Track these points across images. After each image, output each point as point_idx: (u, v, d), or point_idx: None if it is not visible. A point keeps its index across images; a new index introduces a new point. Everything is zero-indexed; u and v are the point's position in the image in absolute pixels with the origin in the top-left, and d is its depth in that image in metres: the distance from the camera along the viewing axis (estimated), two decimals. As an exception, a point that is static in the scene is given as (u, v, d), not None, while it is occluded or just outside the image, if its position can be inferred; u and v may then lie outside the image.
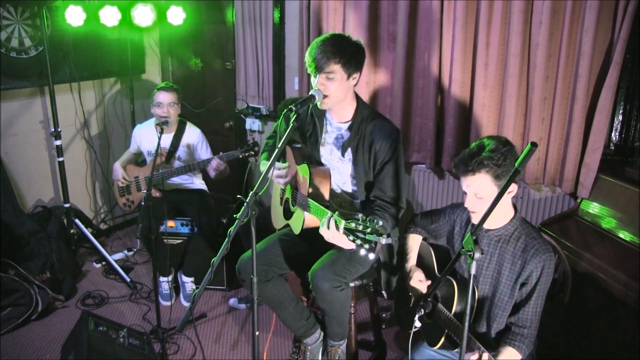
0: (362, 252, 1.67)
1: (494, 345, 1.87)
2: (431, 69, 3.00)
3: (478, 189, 1.76)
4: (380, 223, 1.66)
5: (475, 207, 1.81)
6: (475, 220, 1.86)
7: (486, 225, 1.85)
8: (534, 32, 2.66)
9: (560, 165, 2.78)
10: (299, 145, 2.37)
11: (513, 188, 1.75)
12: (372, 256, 1.67)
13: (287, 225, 2.36)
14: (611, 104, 2.52)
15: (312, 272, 2.13)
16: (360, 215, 1.71)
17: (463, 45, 2.87)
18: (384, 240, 1.65)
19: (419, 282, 2.03)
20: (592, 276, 2.24)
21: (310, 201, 2.07)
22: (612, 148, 2.76)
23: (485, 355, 1.68)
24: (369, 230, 1.66)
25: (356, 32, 3.12)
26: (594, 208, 2.56)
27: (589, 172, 2.59)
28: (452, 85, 2.96)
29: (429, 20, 2.95)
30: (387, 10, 3.11)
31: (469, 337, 1.71)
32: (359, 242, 1.67)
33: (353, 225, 1.70)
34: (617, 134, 2.74)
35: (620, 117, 2.71)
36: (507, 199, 1.80)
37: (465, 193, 1.82)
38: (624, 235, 2.34)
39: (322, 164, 2.31)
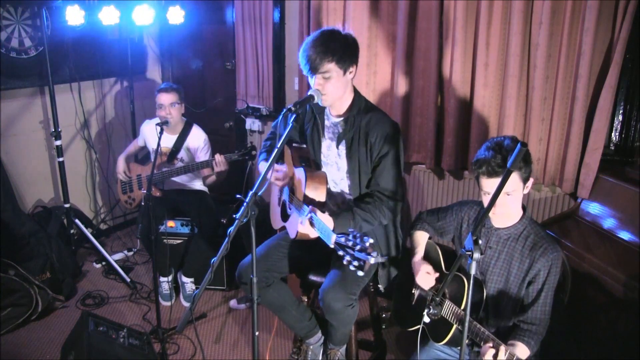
0: (352, 267, 1.60)
1: (502, 340, 1.89)
2: (431, 69, 3.00)
3: (509, 186, 1.75)
4: (371, 241, 1.57)
5: (505, 205, 1.81)
6: (496, 223, 1.90)
7: (496, 224, 1.90)
8: (534, 32, 2.67)
9: (560, 165, 2.78)
10: (298, 145, 2.36)
11: (529, 183, 1.82)
12: (360, 273, 1.59)
13: (284, 227, 2.35)
14: (611, 104, 2.52)
15: (323, 291, 2.10)
16: (352, 231, 1.64)
17: (463, 45, 2.86)
18: (372, 260, 1.55)
19: (427, 274, 2.01)
20: (592, 276, 2.24)
21: (314, 216, 1.96)
22: (612, 148, 2.76)
23: (502, 350, 1.67)
24: (358, 247, 1.59)
25: (356, 32, 3.11)
26: (594, 208, 2.56)
27: (589, 172, 2.60)
28: (452, 85, 2.95)
29: (429, 20, 2.95)
30: (387, 10, 3.11)
31: (483, 332, 1.75)
32: (348, 257, 1.61)
33: (343, 240, 1.64)
34: (617, 134, 2.74)
35: (620, 117, 2.71)
36: (520, 197, 1.83)
37: (487, 193, 1.82)
38: (624, 235, 2.34)
39: (320, 165, 2.29)
